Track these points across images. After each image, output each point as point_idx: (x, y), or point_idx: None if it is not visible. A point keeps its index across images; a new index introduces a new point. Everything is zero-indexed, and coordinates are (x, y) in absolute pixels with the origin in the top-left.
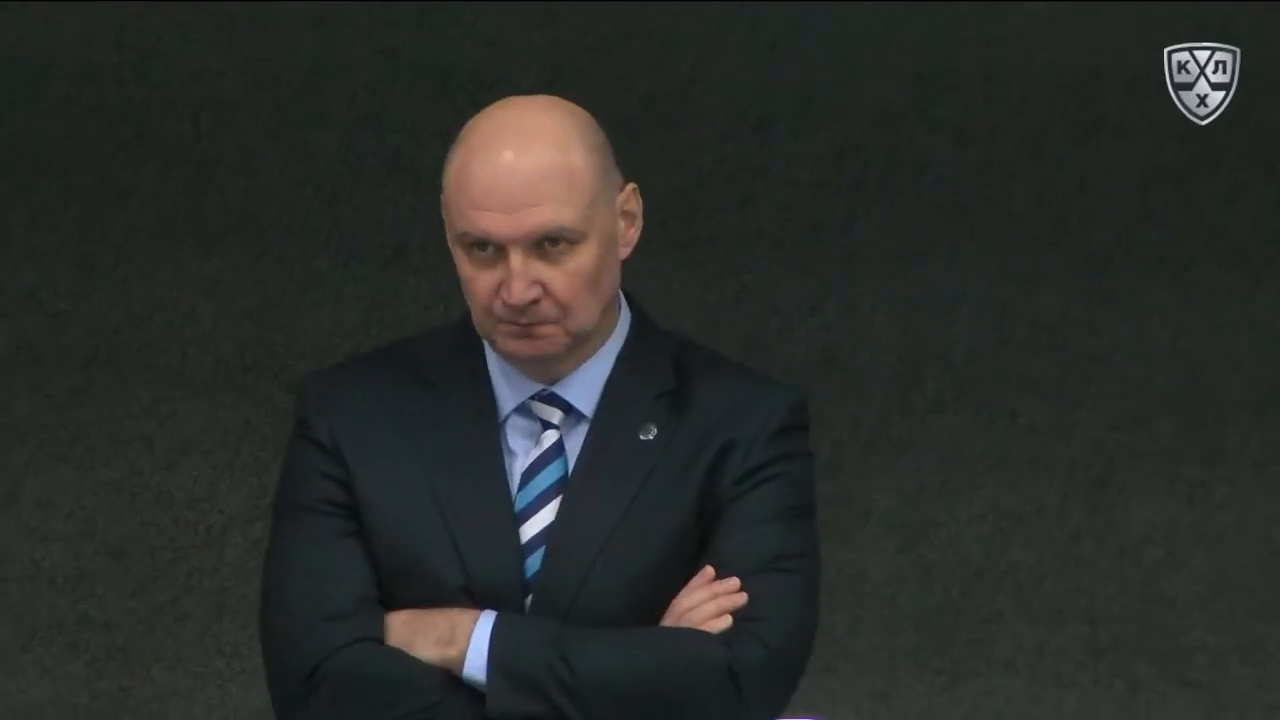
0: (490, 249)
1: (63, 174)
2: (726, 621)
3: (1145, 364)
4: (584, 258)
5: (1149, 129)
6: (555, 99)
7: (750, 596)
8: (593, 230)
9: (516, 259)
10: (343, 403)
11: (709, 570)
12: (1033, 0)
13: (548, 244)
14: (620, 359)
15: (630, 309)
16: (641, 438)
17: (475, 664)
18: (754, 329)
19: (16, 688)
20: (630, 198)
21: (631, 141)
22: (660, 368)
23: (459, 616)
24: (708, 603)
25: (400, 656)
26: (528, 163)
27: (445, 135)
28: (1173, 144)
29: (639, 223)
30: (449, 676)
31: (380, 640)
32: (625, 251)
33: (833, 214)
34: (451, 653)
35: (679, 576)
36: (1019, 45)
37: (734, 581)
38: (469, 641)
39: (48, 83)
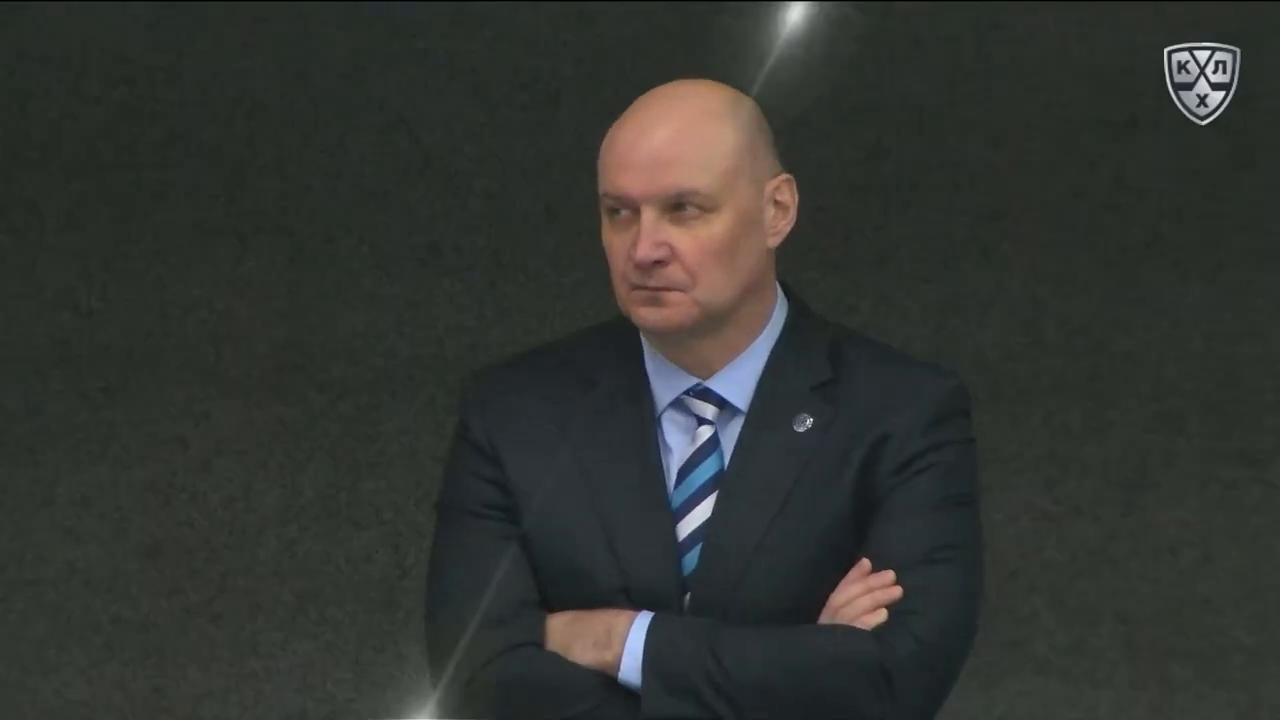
0: (626, 212)
1: (97, 174)
2: (881, 616)
3: (1179, 364)
4: (716, 228)
5: (1182, 128)
6: (719, 83)
7: (905, 589)
8: (728, 203)
9: (648, 217)
10: (502, 403)
11: (865, 563)
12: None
13: (680, 208)
14: (775, 351)
15: (789, 301)
16: (796, 430)
17: (630, 667)
18: None
19: (51, 688)
20: (783, 187)
21: None
22: (816, 359)
23: (615, 619)
24: (862, 597)
25: (558, 661)
26: (669, 125)
27: (478, 135)
28: (1206, 143)
29: (792, 215)
30: (606, 680)
31: (539, 645)
32: (774, 241)
33: (866, 214)
34: (607, 656)
35: (837, 570)
36: (1052, 44)
37: (889, 575)
38: (624, 645)
39: (81, 82)
